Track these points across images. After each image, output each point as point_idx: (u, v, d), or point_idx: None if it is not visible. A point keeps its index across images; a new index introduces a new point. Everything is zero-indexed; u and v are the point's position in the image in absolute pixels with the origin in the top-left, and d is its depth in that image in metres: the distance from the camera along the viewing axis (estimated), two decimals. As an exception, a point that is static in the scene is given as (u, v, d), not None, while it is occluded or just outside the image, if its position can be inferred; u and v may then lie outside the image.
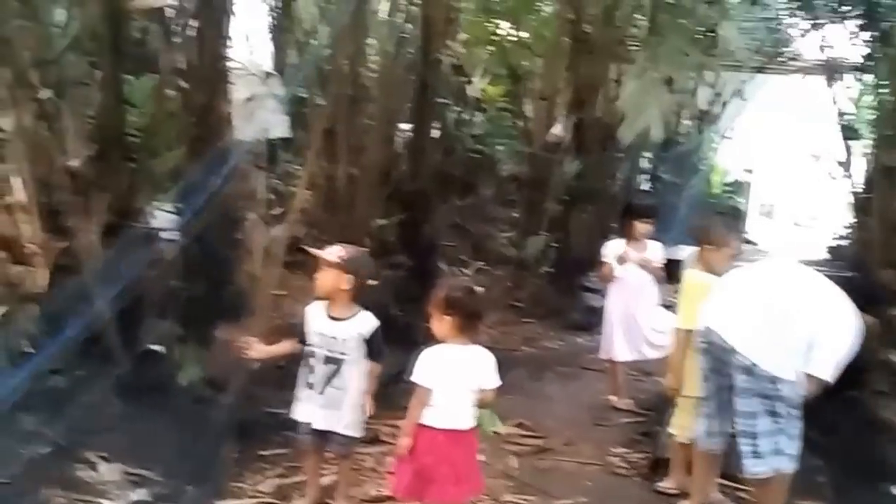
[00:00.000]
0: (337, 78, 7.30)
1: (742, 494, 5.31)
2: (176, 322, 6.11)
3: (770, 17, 12.69)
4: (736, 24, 12.51)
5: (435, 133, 9.04)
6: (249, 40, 10.82)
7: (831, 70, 8.51)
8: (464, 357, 4.27)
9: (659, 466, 5.64)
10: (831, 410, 4.61)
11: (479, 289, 4.46)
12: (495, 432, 4.67)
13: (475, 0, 10.80)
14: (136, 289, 5.36)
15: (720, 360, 4.62)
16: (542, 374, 7.83)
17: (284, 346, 4.78)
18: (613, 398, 7.09)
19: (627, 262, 6.89)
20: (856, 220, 7.95)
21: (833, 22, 8.92)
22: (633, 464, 5.94)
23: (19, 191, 5.42)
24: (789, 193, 19.23)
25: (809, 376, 4.45)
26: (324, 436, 4.68)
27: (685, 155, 14.07)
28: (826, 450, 5.50)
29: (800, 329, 4.44)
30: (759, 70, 14.16)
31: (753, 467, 4.54)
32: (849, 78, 9.50)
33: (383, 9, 8.33)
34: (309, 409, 4.70)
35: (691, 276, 5.39)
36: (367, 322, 4.60)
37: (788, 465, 4.51)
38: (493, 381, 4.31)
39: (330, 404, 4.62)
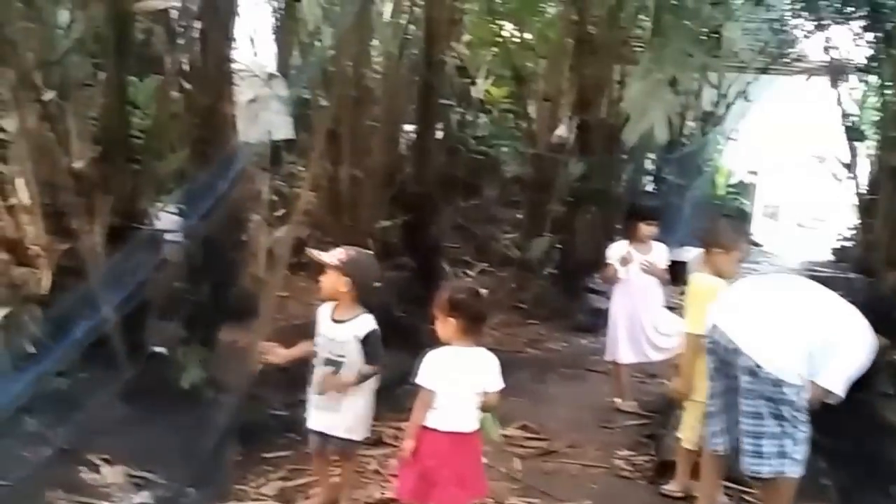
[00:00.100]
0: (340, 79, 7.29)
1: (748, 498, 5.30)
2: (180, 324, 6.11)
3: (774, 18, 12.67)
4: (740, 25, 12.54)
5: (438, 134, 9.03)
6: (253, 41, 10.86)
7: (836, 71, 8.51)
8: (468, 359, 4.26)
9: (664, 469, 5.62)
10: (836, 412, 4.58)
11: (483, 291, 4.43)
12: (502, 434, 4.64)
13: (479, 1, 10.80)
14: (139, 291, 5.36)
15: (725, 361, 4.61)
16: (547, 376, 7.81)
17: (301, 349, 4.74)
18: (618, 400, 7.07)
19: (631, 264, 6.86)
20: (860, 221, 7.93)
21: (837, 23, 8.91)
22: (637, 467, 5.91)
23: (23, 192, 5.42)
24: (794, 195, 19.21)
25: (815, 384, 4.43)
26: (327, 438, 4.67)
27: (689, 156, 14.08)
28: (831, 452, 5.48)
29: (808, 336, 4.42)
30: (764, 71, 14.16)
31: (754, 466, 4.51)
32: (853, 79, 9.51)
33: (387, 10, 8.32)
34: (312, 411, 4.69)
35: (699, 280, 5.37)
36: (364, 325, 4.57)
37: (794, 470, 4.48)
38: (496, 383, 4.30)
39: (330, 406, 4.60)
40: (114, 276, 5.29)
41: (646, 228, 6.88)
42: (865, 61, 8.77)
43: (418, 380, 4.23)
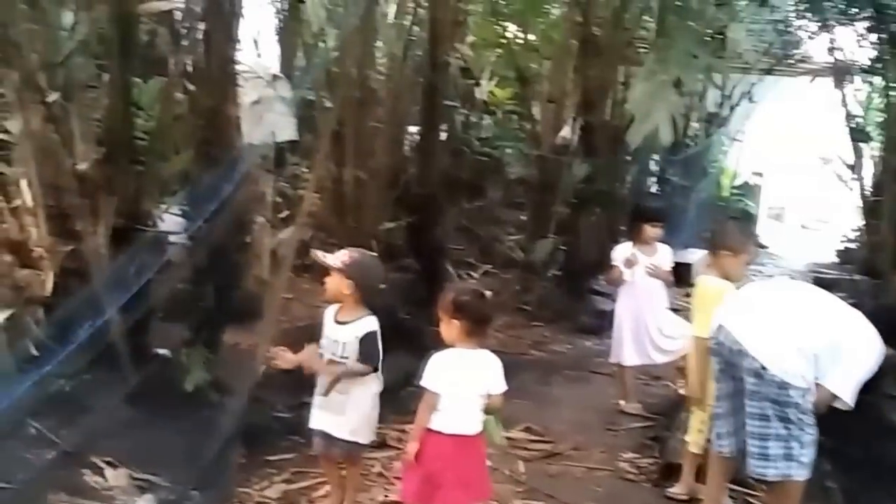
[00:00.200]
0: (344, 81, 7.28)
1: (753, 501, 5.28)
2: (183, 326, 6.10)
3: (778, 20, 12.66)
4: (744, 27, 12.52)
5: (442, 136, 9.02)
6: (257, 43, 10.85)
7: (840, 72, 8.49)
8: (472, 361, 4.24)
9: (669, 472, 5.61)
10: (841, 414, 4.56)
11: (487, 293, 4.41)
12: (505, 437, 4.62)
13: (483, 2, 10.79)
14: (143, 293, 5.35)
15: (731, 362, 4.60)
16: (551, 379, 7.79)
17: (308, 354, 4.70)
18: (622, 402, 7.05)
19: (636, 266, 6.85)
20: (865, 223, 7.91)
21: (842, 24, 8.89)
22: (642, 469, 5.90)
23: (26, 194, 5.41)
24: (798, 196, 19.18)
25: (821, 387, 4.41)
26: (331, 440, 4.66)
27: (694, 158, 14.06)
28: (836, 455, 5.46)
29: (814, 338, 4.41)
30: (768, 72, 14.15)
31: (760, 469, 4.50)
32: (858, 80, 9.49)
33: (391, 11, 8.32)
34: (316, 413, 4.68)
35: (706, 283, 5.35)
36: (365, 326, 4.55)
37: (800, 472, 4.46)
38: (500, 385, 4.29)
39: (334, 409, 4.58)
40: (117, 278, 5.28)
41: (650, 230, 6.87)
42: (870, 62, 8.77)
43: (422, 382, 4.22)
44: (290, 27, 9.51)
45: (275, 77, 7.08)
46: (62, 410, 5.02)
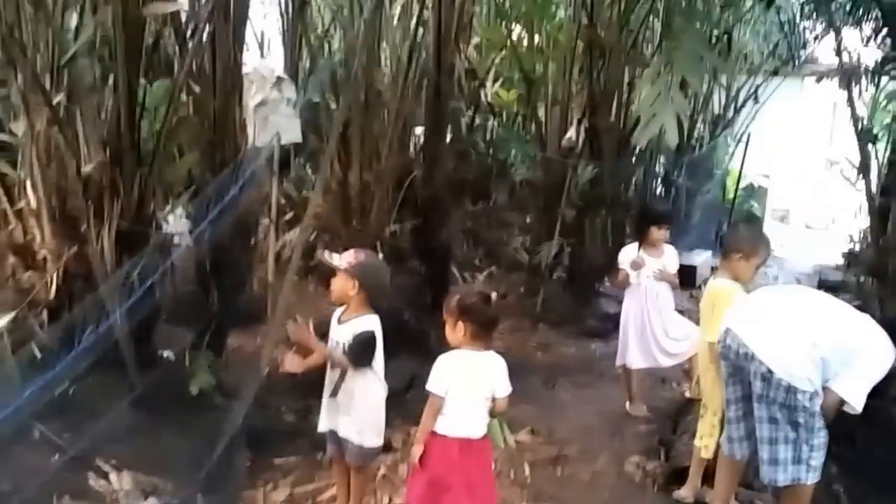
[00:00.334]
0: (350, 83, 7.27)
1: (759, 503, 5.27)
2: (189, 329, 6.09)
3: (785, 21, 12.65)
4: (750, 28, 12.52)
5: (448, 138, 9.01)
6: (262, 44, 10.85)
7: (847, 74, 8.46)
8: (477, 364, 4.24)
9: (676, 475, 5.58)
10: (848, 418, 4.55)
11: (493, 295, 4.40)
12: (508, 440, 4.61)
13: (488, 4, 10.78)
14: (148, 296, 5.33)
15: (738, 366, 4.59)
16: (557, 381, 7.77)
17: (318, 356, 4.67)
18: (628, 405, 7.03)
19: (642, 269, 6.83)
20: (872, 225, 7.87)
21: (849, 25, 8.87)
22: (649, 472, 5.88)
23: (31, 196, 5.40)
24: (804, 198, 19.16)
25: (830, 391, 4.39)
26: (342, 444, 4.64)
27: (699, 160, 14.05)
28: (843, 458, 5.44)
29: (821, 342, 4.39)
30: (774, 73, 14.13)
31: (771, 474, 4.49)
32: (864, 81, 9.46)
33: (397, 13, 8.31)
34: (324, 416, 4.68)
35: (717, 286, 5.31)
36: (362, 324, 4.53)
37: (809, 476, 4.45)
38: (505, 388, 4.27)
39: (341, 410, 4.59)
40: (122, 280, 5.27)
41: (657, 232, 6.84)
42: (875, 63, 8.73)
43: (428, 386, 4.21)
44: (296, 29, 9.50)
45: (280, 79, 7.05)
46: (67, 414, 5.00)
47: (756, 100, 14.48)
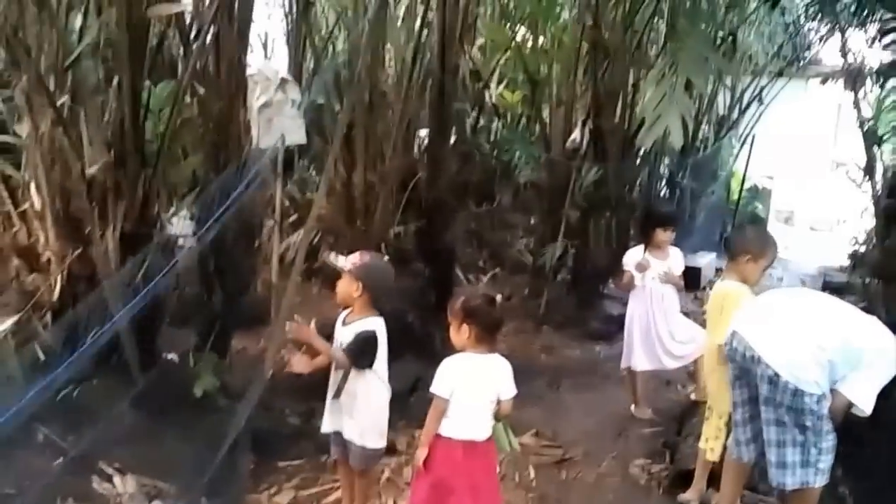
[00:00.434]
0: (355, 84, 7.26)
1: (765, 507, 5.25)
2: (192, 331, 6.08)
3: (789, 22, 12.64)
4: (755, 29, 12.50)
5: (452, 139, 9.00)
6: (265, 46, 10.84)
7: (852, 75, 8.44)
8: (482, 367, 4.22)
9: (681, 478, 5.56)
10: (854, 420, 4.53)
11: (498, 297, 4.38)
12: (512, 443, 4.59)
13: (493, 5, 10.76)
14: (152, 297, 5.32)
15: (745, 369, 4.57)
16: (561, 384, 7.75)
17: (324, 356, 4.64)
18: (633, 408, 7.01)
19: (647, 271, 6.80)
20: (878, 226, 7.86)
21: (854, 26, 8.85)
22: (654, 475, 5.87)
23: (35, 198, 5.40)
24: (808, 199, 19.14)
25: (837, 394, 4.37)
26: (346, 446, 4.62)
27: (704, 161, 14.03)
28: (849, 460, 5.42)
29: (828, 344, 4.37)
30: (779, 75, 14.12)
31: (779, 478, 4.47)
32: (869, 82, 9.44)
33: (401, 15, 8.29)
34: (327, 416, 4.67)
35: (726, 288, 5.28)
36: (365, 325, 4.51)
37: (818, 479, 4.44)
38: (510, 390, 4.26)
39: (344, 411, 4.57)
40: (127, 282, 5.26)
41: (663, 234, 6.83)
42: (880, 64, 8.72)
43: (432, 388, 4.20)
44: (300, 30, 9.49)
45: (284, 80, 7.02)
46: (70, 416, 5.00)
47: (760, 101, 14.47)
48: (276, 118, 6.14)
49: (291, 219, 8.49)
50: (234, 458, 5.15)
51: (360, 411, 4.54)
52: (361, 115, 7.26)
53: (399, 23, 8.38)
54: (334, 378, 4.60)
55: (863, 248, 11.86)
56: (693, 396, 6.94)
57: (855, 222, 12.61)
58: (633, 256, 6.92)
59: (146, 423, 5.26)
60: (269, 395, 5.64)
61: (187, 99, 5.99)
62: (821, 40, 12.61)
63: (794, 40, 13.38)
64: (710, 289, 6.50)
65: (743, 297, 5.05)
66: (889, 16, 7.90)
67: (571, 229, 9.74)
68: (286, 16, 9.96)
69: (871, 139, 8.05)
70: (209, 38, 5.79)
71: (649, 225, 6.94)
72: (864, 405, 4.37)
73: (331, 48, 10.08)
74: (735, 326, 4.65)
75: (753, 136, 15.05)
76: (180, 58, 6.20)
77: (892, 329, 4.53)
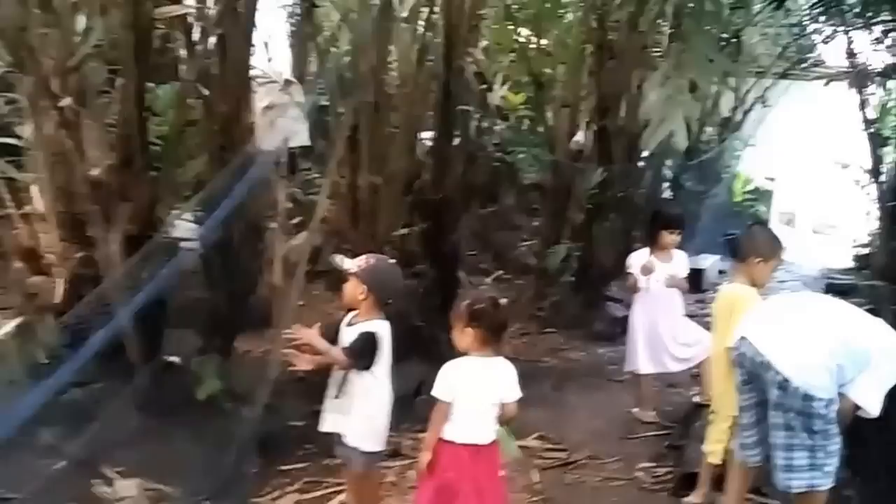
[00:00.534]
0: (359, 86, 7.24)
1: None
2: (196, 333, 6.06)
3: (794, 23, 12.60)
4: (759, 30, 12.46)
5: (456, 141, 8.98)
6: (269, 47, 10.82)
7: (857, 76, 8.43)
8: (485, 370, 4.21)
9: (686, 481, 5.54)
10: (860, 421, 4.52)
11: (503, 300, 4.36)
12: (519, 447, 4.57)
13: (497, 7, 10.74)
14: (156, 300, 5.31)
15: (754, 373, 4.55)
16: (566, 386, 7.72)
17: (327, 358, 4.61)
18: (636, 411, 6.99)
19: (653, 273, 6.78)
20: (883, 228, 7.84)
21: (858, 28, 8.84)
22: (659, 478, 5.85)
23: (38, 200, 5.39)
24: (811, 201, 19.09)
25: (845, 398, 4.36)
26: (345, 449, 4.60)
27: (708, 163, 14.00)
28: (854, 462, 5.39)
29: (837, 349, 4.35)
30: (783, 76, 14.09)
31: (786, 481, 4.46)
32: (873, 84, 9.43)
33: (405, 16, 8.27)
34: (326, 416, 4.65)
35: (736, 291, 5.25)
36: (367, 328, 4.50)
37: (824, 482, 4.43)
38: (514, 393, 4.24)
39: (341, 410, 4.56)
40: (130, 284, 5.24)
41: (668, 237, 6.80)
42: (884, 65, 8.71)
43: (434, 392, 4.18)
44: (304, 31, 9.47)
45: (288, 82, 7.02)
46: (73, 419, 4.99)
47: (764, 103, 14.43)
48: (279, 120, 6.15)
49: (295, 221, 8.47)
50: (238, 462, 5.13)
51: (357, 413, 4.52)
52: (366, 116, 7.25)
53: (403, 24, 8.35)
54: (335, 377, 4.58)
55: (868, 250, 11.84)
56: (697, 399, 6.91)
57: (858, 224, 12.60)
58: (638, 259, 6.90)
59: (149, 426, 5.25)
60: (273, 397, 5.62)
61: (192, 101, 5.98)
62: (825, 41, 12.60)
63: (798, 41, 13.35)
64: (713, 291, 6.46)
65: (752, 301, 5.02)
66: (894, 17, 7.88)
67: (576, 231, 9.72)
68: (290, 17, 9.96)
69: (876, 141, 8.04)
70: (213, 39, 5.78)
71: (655, 227, 6.91)
72: (872, 408, 4.36)
73: (335, 49, 10.07)
74: (743, 332, 4.62)
75: (756, 138, 15.01)
76: (185, 60, 6.17)
77: None
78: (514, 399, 4.24)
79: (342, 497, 5.06)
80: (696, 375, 7.19)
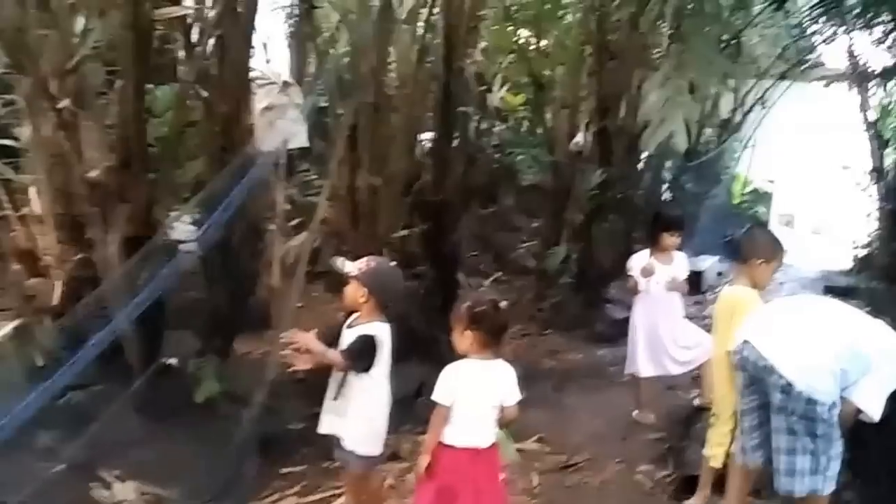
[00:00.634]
0: (358, 87, 7.23)
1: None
2: (195, 335, 6.05)
3: (794, 25, 12.60)
4: (759, 31, 12.46)
5: (456, 142, 8.97)
6: (268, 49, 10.80)
7: (858, 77, 8.42)
8: (485, 373, 4.18)
9: (686, 484, 5.53)
10: (860, 424, 4.51)
11: (503, 303, 4.34)
12: (517, 449, 4.56)
13: (497, 8, 10.74)
14: (154, 302, 5.30)
15: (756, 377, 4.54)
16: (565, 388, 7.71)
17: (328, 356, 4.62)
18: (636, 413, 6.97)
19: (653, 276, 6.76)
20: (883, 229, 7.84)
21: (858, 29, 8.84)
22: (659, 481, 5.83)
23: (36, 202, 5.38)
24: (810, 203, 19.09)
25: (847, 401, 4.35)
26: (342, 451, 4.59)
27: (707, 164, 14.00)
28: (855, 465, 5.38)
29: (840, 353, 4.34)
30: (783, 77, 14.09)
31: (788, 485, 4.45)
32: (874, 85, 9.43)
33: (405, 17, 8.26)
34: (325, 416, 4.62)
35: (737, 293, 5.23)
36: (367, 331, 4.48)
37: (826, 486, 4.42)
38: (514, 396, 4.22)
39: (339, 412, 4.54)
40: (129, 286, 5.23)
41: (669, 238, 6.78)
42: (885, 67, 8.71)
43: (434, 396, 4.16)
44: (303, 32, 9.46)
45: (286, 83, 7.00)
46: (70, 422, 4.97)
47: (763, 104, 14.43)
48: (278, 121, 6.14)
49: (294, 222, 8.46)
50: (237, 465, 5.12)
51: (355, 416, 4.50)
52: (365, 118, 7.24)
53: (403, 25, 8.34)
54: (334, 378, 4.57)
55: (867, 252, 11.85)
56: (697, 402, 6.89)
57: (857, 225, 12.60)
58: (639, 261, 6.88)
59: (147, 428, 5.24)
60: (272, 399, 5.61)
61: (191, 102, 5.97)
62: (825, 42, 12.60)
63: (798, 43, 13.35)
64: (712, 292, 6.45)
65: (753, 303, 5.01)
66: (894, 18, 7.88)
67: (575, 232, 9.72)
68: (289, 18, 9.94)
69: (877, 142, 8.03)
70: (213, 41, 5.77)
71: (656, 229, 6.89)
72: (874, 412, 4.36)
73: (334, 51, 10.06)
74: (745, 335, 4.61)
75: (756, 139, 15.02)
76: (184, 61, 6.16)
77: None
78: (513, 402, 4.22)
79: (341, 500, 5.04)
80: (696, 378, 7.17)
